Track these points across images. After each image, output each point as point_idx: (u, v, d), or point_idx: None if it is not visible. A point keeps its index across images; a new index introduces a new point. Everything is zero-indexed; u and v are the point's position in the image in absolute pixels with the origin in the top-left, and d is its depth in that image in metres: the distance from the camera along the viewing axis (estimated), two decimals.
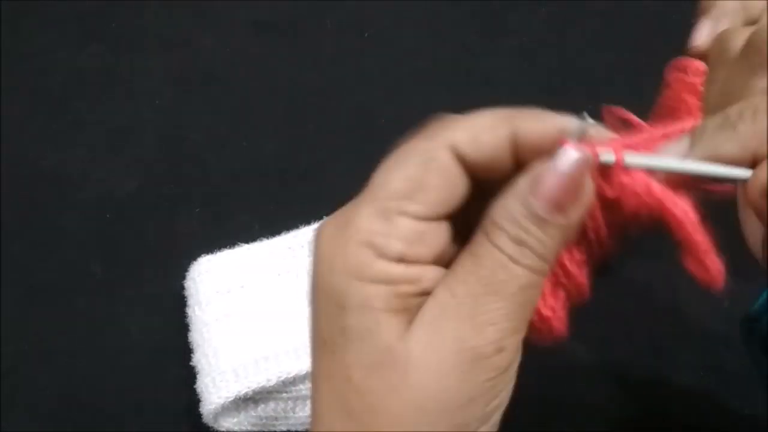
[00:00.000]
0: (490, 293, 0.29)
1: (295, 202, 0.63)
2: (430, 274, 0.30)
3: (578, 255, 0.31)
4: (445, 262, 0.31)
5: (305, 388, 0.54)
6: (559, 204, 0.29)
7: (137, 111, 0.67)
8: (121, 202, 0.64)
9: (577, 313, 0.60)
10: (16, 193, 0.64)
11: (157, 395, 0.57)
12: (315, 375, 0.31)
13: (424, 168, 0.30)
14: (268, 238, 0.59)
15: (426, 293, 0.30)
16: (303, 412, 0.54)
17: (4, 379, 0.58)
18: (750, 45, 0.31)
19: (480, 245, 0.30)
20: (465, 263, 0.30)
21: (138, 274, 0.61)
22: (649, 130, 0.32)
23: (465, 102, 0.71)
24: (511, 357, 0.30)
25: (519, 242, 0.29)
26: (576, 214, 0.29)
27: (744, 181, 0.29)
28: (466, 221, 0.31)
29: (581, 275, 0.32)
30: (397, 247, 0.29)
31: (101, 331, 0.59)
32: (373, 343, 0.29)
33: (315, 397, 0.31)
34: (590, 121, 0.29)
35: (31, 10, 0.71)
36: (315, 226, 0.59)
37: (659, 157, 0.30)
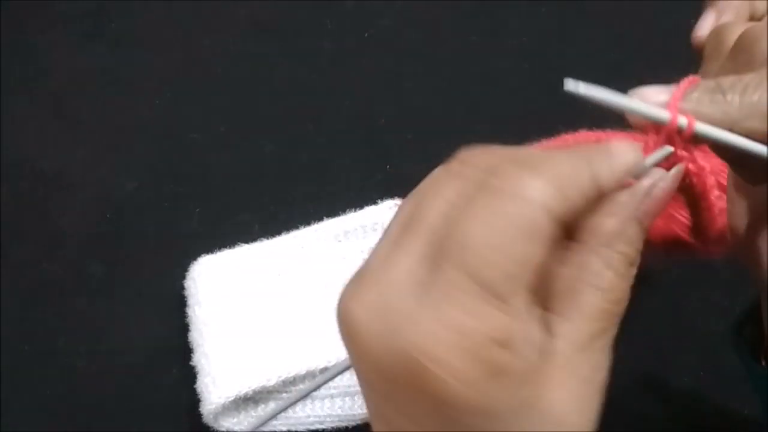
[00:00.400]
0: (615, 324, 0.29)
1: (295, 202, 0.63)
2: (535, 326, 0.28)
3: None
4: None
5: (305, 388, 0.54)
6: (657, 214, 0.30)
7: (137, 111, 0.67)
8: (121, 202, 0.64)
9: None
10: (16, 193, 0.64)
11: (157, 395, 0.57)
12: None
13: (530, 240, 0.26)
14: (268, 238, 0.59)
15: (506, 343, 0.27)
16: (303, 412, 0.54)
17: (4, 379, 0.58)
18: (739, 43, 0.31)
19: (600, 276, 0.29)
20: (588, 297, 0.28)
21: (138, 274, 0.61)
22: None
23: (465, 102, 0.72)
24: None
25: (633, 264, 0.29)
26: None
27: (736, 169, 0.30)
28: None
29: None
30: (520, 334, 0.27)
31: (101, 331, 0.59)
32: (530, 412, 0.27)
33: None
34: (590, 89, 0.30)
35: (31, 10, 0.71)
36: (316, 226, 0.59)
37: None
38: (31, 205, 0.64)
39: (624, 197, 0.29)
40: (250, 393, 0.52)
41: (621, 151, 0.29)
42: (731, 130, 0.29)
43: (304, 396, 0.51)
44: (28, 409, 0.57)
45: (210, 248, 0.58)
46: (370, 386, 0.28)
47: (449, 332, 0.25)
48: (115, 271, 0.61)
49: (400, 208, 0.30)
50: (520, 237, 0.26)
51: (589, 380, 0.28)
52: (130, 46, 0.70)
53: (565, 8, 0.70)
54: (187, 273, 0.58)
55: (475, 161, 0.28)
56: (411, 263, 0.26)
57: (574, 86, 0.29)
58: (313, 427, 0.54)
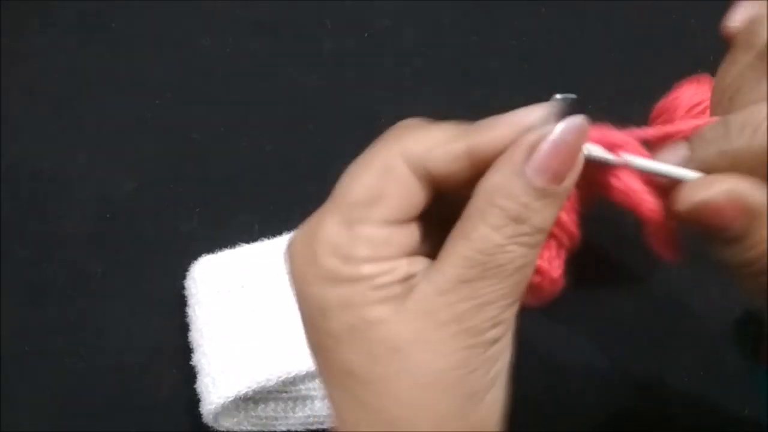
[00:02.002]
0: (487, 276, 0.29)
1: (295, 202, 0.63)
2: (403, 263, 0.31)
3: (570, 204, 0.32)
4: (424, 251, 0.31)
5: (305, 388, 0.54)
6: (558, 173, 0.29)
7: (137, 111, 0.67)
8: (121, 202, 0.64)
9: (578, 313, 0.61)
10: (16, 193, 0.64)
11: (157, 395, 0.58)
12: (323, 381, 0.32)
13: (382, 177, 0.31)
14: (268, 238, 0.59)
15: (407, 278, 0.30)
16: (303, 412, 0.54)
17: (4, 379, 0.58)
18: None
19: (473, 228, 0.29)
20: (456, 245, 0.30)
21: (138, 274, 0.61)
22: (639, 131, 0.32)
23: (465, 102, 0.72)
24: (507, 326, 0.30)
25: (518, 220, 0.29)
26: (571, 181, 0.30)
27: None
28: (439, 214, 0.32)
29: (573, 225, 0.32)
30: (362, 252, 0.30)
31: (101, 331, 0.59)
32: (363, 336, 0.30)
33: (330, 401, 0.32)
34: (567, 96, 0.30)
35: (31, 10, 0.71)
36: None
37: (657, 163, 0.31)
38: (31, 205, 0.64)
39: (508, 152, 0.29)
40: (250, 393, 0.52)
41: (505, 122, 0.30)
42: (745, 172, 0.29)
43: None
44: (28, 409, 0.57)
45: (210, 248, 0.58)
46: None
47: (304, 236, 0.32)
48: (115, 271, 0.61)
49: None
50: (373, 173, 0.31)
51: (444, 325, 0.29)
52: (130, 46, 0.70)
53: (565, 8, 0.70)
54: (187, 273, 0.58)
55: (388, 131, 0.34)
56: (327, 222, 0.32)
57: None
58: (313, 427, 0.54)
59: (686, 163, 0.30)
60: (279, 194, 0.64)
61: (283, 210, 0.62)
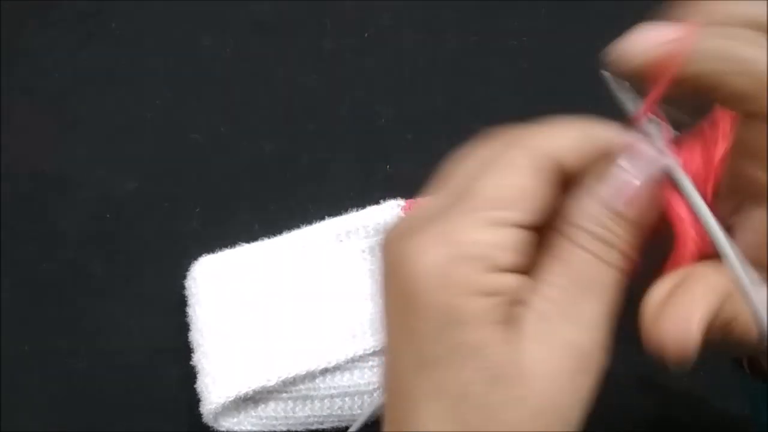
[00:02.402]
0: (586, 293, 0.30)
1: (295, 202, 0.63)
2: (518, 282, 0.30)
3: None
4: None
5: (305, 388, 0.54)
6: (637, 201, 0.30)
7: (137, 111, 0.67)
8: (121, 202, 0.64)
9: None
10: (16, 193, 0.64)
11: (157, 395, 0.57)
12: (416, 394, 0.30)
13: (519, 175, 0.30)
14: (268, 238, 0.59)
15: (518, 302, 0.30)
16: (303, 412, 0.54)
17: (4, 379, 0.58)
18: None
19: (565, 249, 0.30)
20: (553, 268, 0.30)
21: (138, 274, 0.61)
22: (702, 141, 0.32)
23: (465, 102, 0.72)
24: (605, 354, 0.31)
25: (602, 240, 0.30)
26: (651, 211, 0.30)
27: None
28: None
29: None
30: (507, 257, 0.29)
31: (101, 331, 0.59)
32: (489, 358, 0.29)
33: (420, 416, 0.30)
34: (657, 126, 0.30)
35: (31, 10, 0.71)
36: (316, 225, 0.59)
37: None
38: (31, 205, 0.64)
39: (597, 182, 0.30)
40: (250, 393, 0.52)
41: (618, 130, 0.31)
42: None
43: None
44: (28, 409, 0.57)
45: (210, 248, 0.58)
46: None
47: (440, 240, 0.29)
48: (115, 271, 0.61)
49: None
50: (508, 171, 0.30)
51: (557, 351, 0.29)
52: (130, 46, 0.70)
53: (565, 8, 0.70)
54: (187, 273, 0.58)
55: (497, 135, 0.32)
56: (464, 222, 0.30)
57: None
58: (313, 427, 0.54)
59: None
60: (279, 194, 0.64)
61: (283, 210, 0.62)
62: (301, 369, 0.53)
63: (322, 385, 0.54)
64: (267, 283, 0.56)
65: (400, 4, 0.71)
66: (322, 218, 0.59)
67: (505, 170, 0.30)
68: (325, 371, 0.53)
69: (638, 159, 0.30)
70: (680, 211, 0.30)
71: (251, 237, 0.59)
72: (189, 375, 0.55)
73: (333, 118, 0.67)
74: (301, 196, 0.63)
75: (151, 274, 0.61)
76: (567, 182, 0.31)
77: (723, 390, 0.55)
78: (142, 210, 0.63)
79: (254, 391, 0.52)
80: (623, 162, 0.30)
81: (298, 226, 0.59)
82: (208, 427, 0.53)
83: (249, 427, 0.54)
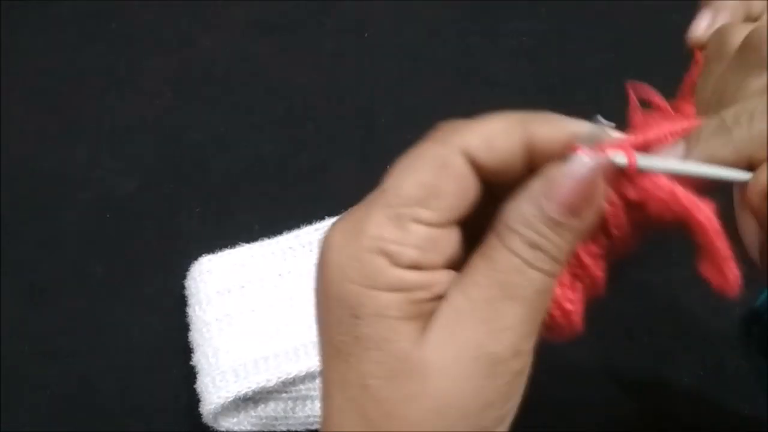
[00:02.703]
0: (507, 297, 0.29)
1: (295, 202, 0.63)
2: (442, 278, 0.30)
3: (595, 249, 0.31)
4: (456, 265, 0.30)
5: (305, 388, 0.54)
6: (573, 207, 0.29)
7: (137, 111, 0.67)
8: (121, 202, 0.64)
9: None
10: (16, 193, 0.64)
11: (157, 395, 0.57)
12: (327, 382, 0.31)
13: (437, 173, 0.30)
14: (268, 238, 0.59)
15: (438, 297, 0.30)
16: (303, 412, 0.54)
17: (4, 379, 0.58)
18: (748, 43, 0.31)
19: (494, 248, 0.29)
20: (479, 266, 0.30)
21: (138, 274, 0.61)
22: (656, 126, 0.32)
23: (465, 102, 0.72)
24: (526, 360, 0.30)
25: (533, 245, 0.29)
26: (589, 216, 0.30)
27: (742, 184, 0.29)
28: (475, 224, 0.31)
29: (598, 269, 0.32)
30: (411, 254, 0.29)
31: (101, 331, 0.59)
32: (389, 352, 0.29)
33: (328, 405, 0.31)
34: (604, 122, 0.30)
35: (31, 10, 0.71)
36: (316, 226, 0.59)
37: (665, 159, 0.30)
38: (31, 205, 0.64)
39: (531, 180, 0.30)
40: (250, 393, 0.52)
41: (562, 121, 0.30)
42: (748, 166, 0.29)
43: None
44: (28, 409, 0.57)
45: (210, 248, 0.58)
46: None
47: (349, 232, 0.30)
48: (115, 271, 0.61)
49: None
50: (428, 168, 0.29)
51: (466, 350, 0.29)
52: (130, 46, 0.70)
53: (565, 8, 0.70)
54: (187, 273, 0.58)
55: (438, 128, 0.31)
56: (376, 218, 0.30)
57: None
58: (313, 428, 0.54)
59: (684, 158, 0.30)
60: (279, 194, 0.64)
61: (283, 210, 0.62)
62: (301, 369, 0.53)
63: (319, 385, 0.54)
64: (267, 283, 0.56)
65: (400, 4, 0.71)
66: (322, 218, 0.59)
67: (421, 167, 0.30)
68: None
69: (576, 160, 0.29)
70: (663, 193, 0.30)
71: (251, 237, 0.59)
72: (189, 375, 0.55)
73: (333, 118, 0.67)
74: (301, 196, 0.63)
75: (151, 274, 0.61)
76: (516, 176, 0.31)
77: (723, 390, 0.55)
78: (142, 210, 0.63)
79: (254, 391, 0.52)
80: (563, 163, 0.29)
81: (298, 226, 0.59)
82: (208, 427, 0.53)
83: (249, 427, 0.54)
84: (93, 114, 0.67)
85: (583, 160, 0.29)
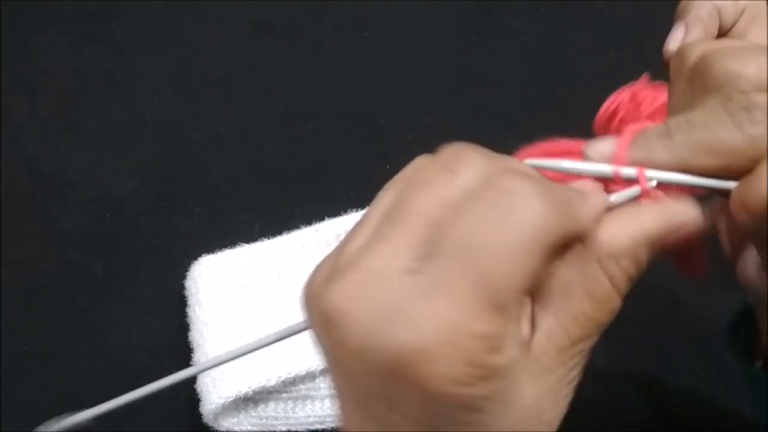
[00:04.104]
0: (597, 333, 0.31)
1: (295, 202, 0.63)
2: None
3: None
4: None
5: (305, 388, 0.54)
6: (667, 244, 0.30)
7: (137, 111, 0.67)
8: (121, 202, 0.64)
9: None
10: (16, 193, 0.64)
11: (157, 395, 0.57)
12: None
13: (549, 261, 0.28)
14: (268, 238, 0.59)
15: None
16: (303, 412, 0.54)
17: (4, 379, 0.58)
18: (695, 67, 0.31)
19: (600, 288, 0.29)
20: (584, 306, 0.30)
21: (138, 274, 0.61)
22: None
23: (465, 102, 0.72)
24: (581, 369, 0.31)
25: (631, 280, 0.30)
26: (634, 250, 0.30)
27: (722, 193, 0.30)
28: None
29: None
30: (514, 347, 0.27)
31: (101, 331, 0.59)
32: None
33: None
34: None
35: (31, 10, 0.71)
36: (316, 226, 0.59)
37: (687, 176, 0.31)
38: (31, 205, 0.64)
39: (645, 216, 0.30)
40: (250, 393, 0.52)
41: (594, 197, 0.30)
42: (686, 171, 0.30)
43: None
44: (28, 409, 0.57)
45: (210, 248, 0.58)
46: (351, 380, 0.28)
47: (444, 330, 0.25)
48: (115, 271, 0.61)
49: (380, 196, 0.30)
50: (527, 245, 0.26)
51: (563, 380, 0.29)
52: (130, 46, 0.70)
53: (565, 8, 0.70)
54: (187, 273, 0.58)
55: (468, 159, 0.28)
56: (399, 253, 0.26)
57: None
58: (313, 428, 0.54)
59: (611, 155, 0.31)
60: (279, 194, 0.64)
61: (283, 210, 0.62)
62: (301, 369, 0.53)
63: (322, 385, 0.54)
64: (267, 283, 0.57)
65: (400, 4, 0.71)
66: (322, 218, 0.59)
67: (501, 229, 0.26)
68: (325, 371, 0.53)
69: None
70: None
71: (251, 237, 0.59)
72: None
73: (333, 118, 0.67)
74: (301, 196, 0.63)
75: (151, 274, 0.61)
76: None
77: (723, 390, 0.55)
78: (142, 210, 0.63)
79: (254, 391, 0.52)
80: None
81: (298, 227, 0.59)
82: (208, 427, 0.53)
83: (249, 427, 0.54)
84: (93, 114, 0.67)
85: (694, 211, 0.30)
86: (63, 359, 0.59)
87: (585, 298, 0.29)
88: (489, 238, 0.25)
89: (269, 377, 0.52)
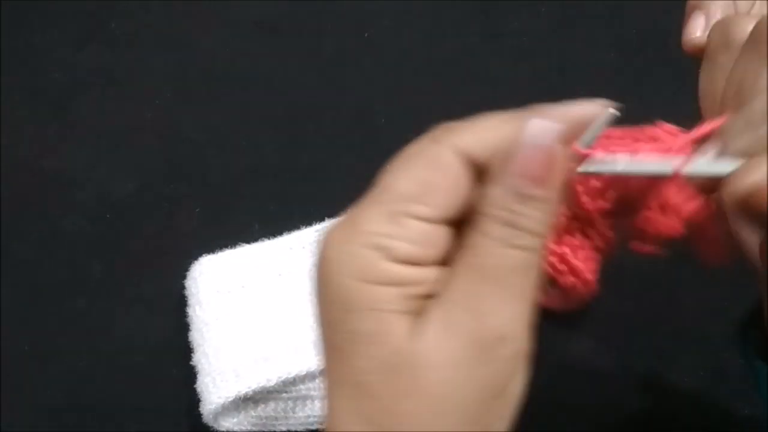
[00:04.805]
0: (487, 281, 0.29)
1: (295, 202, 0.63)
2: (436, 275, 0.30)
3: (603, 204, 0.32)
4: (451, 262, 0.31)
5: (305, 388, 0.54)
6: (537, 177, 0.29)
7: (137, 111, 0.67)
8: (121, 202, 0.64)
9: (577, 313, 0.60)
10: (16, 193, 0.64)
11: (157, 395, 0.57)
12: (328, 380, 0.31)
13: (432, 170, 0.30)
14: (268, 238, 0.59)
15: (432, 294, 0.30)
16: (303, 412, 0.54)
17: (4, 379, 0.58)
18: (758, 33, 0.31)
19: (471, 236, 0.30)
20: (462, 258, 0.30)
21: (138, 274, 0.61)
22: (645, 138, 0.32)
23: (465, 102, 0.71)
24: (519, 343, 0.30)
25: (505, 224, 0.29)
26: (555, 185, 0.30)
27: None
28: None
29: (606, 226, 0.32)
30: (405, 249, 0.29)
31: (101, 331, 0.59)
32: (382, 347, 0.29)
33: (330, 402, 0.31)
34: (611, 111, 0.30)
35: (31, 10, 0.71)
36: (316, 226, 0.59)
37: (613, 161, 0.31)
38: (31, 205, 0.64)
39: (495, 163, 0.30)
40: (250, 393, 0.52)
41: (552, 111, 0.31)
42: None
43: None
44: (28, 409, 0.57)
45: (210, 248, 0.58)
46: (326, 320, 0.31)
47: (345, 229, 0.30)
48: (115, 271, 0.61)
49: None
50: (421, 166, 0.30)
51: (459, 342, 0.29)
52: (130, 46, 0.70)
53: (565, 8, 0.70)
54: (187, 273, 0.58)
55: (433, 129, 0.32)
56: (370, 214, 0.30)
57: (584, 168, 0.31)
58: (313, 428, 0.54)
59: (721, 157, 0.31)
60: (279, 194, 0.64)
61: (283, 210, 0.62)
62: (301, 369, 0.53)
63: (322, 386, 0.54)
64: (267, 283, 0.56)
65: (400, 4, 0.71)
66: (322, 218, 0.59)
67: (414, 164, 0.31)
68: (324, 372, 0.53)
69: (535, 134, 0.29)
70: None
71: (251, 237, 0.59)
72: (189, 375, 0.55)
73: (333, 118, 0.67)
74: (301, 196, 0.63)
75: (151, 274, 0.61)
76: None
77: (723, 390, 0.55)
78: (142, 210, 0.63)
79: (254, 391, 0.52)
80: (522, 140, 0.29)
81: (298, 227, 0.59)
82: (208, 427, 0.53)
83: (249, 427, 0.54)
84: (93, 114, 0.67)
85: (535, 126, 0.29)
86: (63, 359, 0.59)
87: (462, 250, 0.30)
88: (395, 172, 0.31)
89: (269, 377, 0.52)
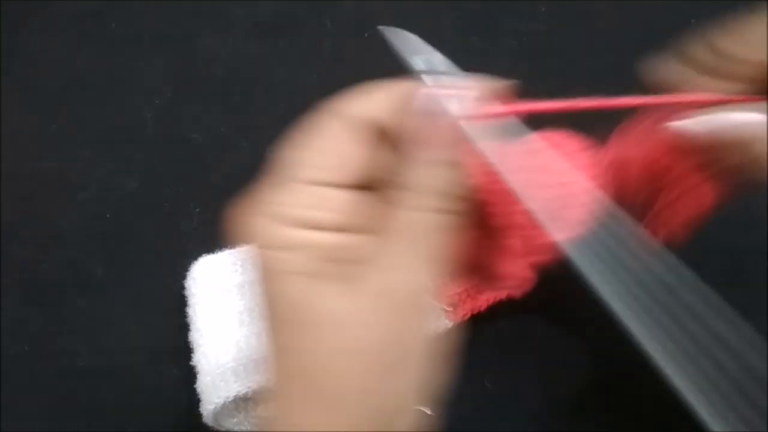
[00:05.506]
0: (402, 240, 0.30)
1: None
2: (360, 241, 0.31)
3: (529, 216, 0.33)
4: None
5: None
6: (425, 140, 0.31)
7: (137, 111, 0.67)
8: (121, 202, 0.64)
9: (577, 313, 0.60)
10: (16, 193, 0.64)
11: (157, 395, 0.58)
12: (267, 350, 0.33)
13: (323, 138, 0.32)
14: None
15: (358, 260, 0.31)
16: None
17: (4, 379, 0.58)
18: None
19: (382, 202, 0.32)
20: (379, 223, 0.31)
21: (138, 274, 0.61)
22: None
23: None
24: (424, 301, 0.31)
25: (402, 187, 0.31)
26: (442, 144, 0.31)
27: None
28: None
29: (533, 227, 0.33)
30: (299, 213, 0.31)
31: (101, 331, 0.59)
32: (295, 309, 0.30)
33: (269, 369, 0.33)
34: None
35: (31, 11, 0.71)
36: None
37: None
38: (31, 205, 0.64)
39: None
40: (250, 393, 0.52)
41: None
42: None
43: None
44: (28, 409, 0.57)
45: (210, 248, 0.58)
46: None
47: (256, 207, 0.32)
48: (115, 271, 0.61)
49: None
50: (315, 136, 0.33)
51: (374, 293, 0.30)
52: (130, 46, 0.70)
53: (565, 8, 0.70)
54: (187, 273, 0.58)
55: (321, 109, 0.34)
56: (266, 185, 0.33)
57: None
58: None
59: None
60: None
61: None
62: None
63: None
64: None
65: (400, 4, 0.71)
66: None
67: (318, 137, 0.33)
68: None
69: (426, 101, 0.31)
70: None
71: None
72: (189, 375, 0.55)
73: None
74: None
75: (151, 274, 0.61)
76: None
77: None
78: (142, 210, 0.63)
79: (254, 391, 0.52)
80: (416, 108, 0.31)
81: None
82: (208, 427, 0.53)
83: (249, 427, 0.54)
84: (93, 114, 0.67)
85: (426, 94, 0.33)
86: (63, 359, 0.59)
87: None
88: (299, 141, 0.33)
89: (269, 377, 0.52)
